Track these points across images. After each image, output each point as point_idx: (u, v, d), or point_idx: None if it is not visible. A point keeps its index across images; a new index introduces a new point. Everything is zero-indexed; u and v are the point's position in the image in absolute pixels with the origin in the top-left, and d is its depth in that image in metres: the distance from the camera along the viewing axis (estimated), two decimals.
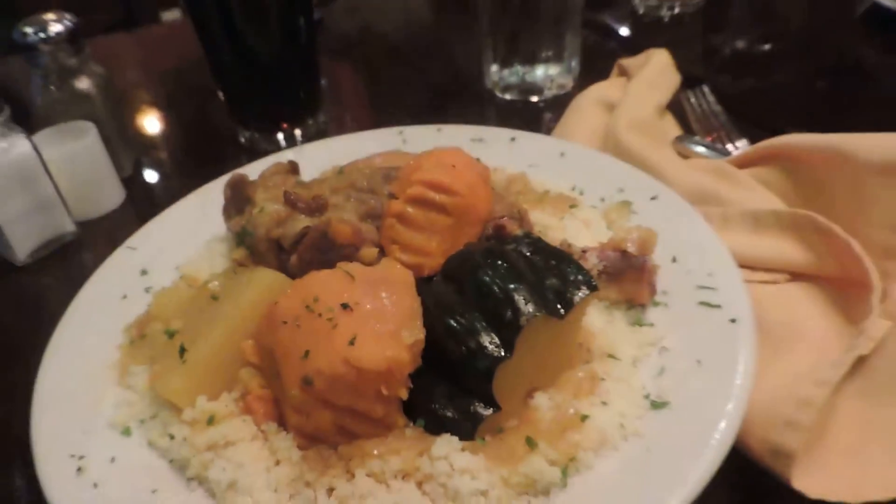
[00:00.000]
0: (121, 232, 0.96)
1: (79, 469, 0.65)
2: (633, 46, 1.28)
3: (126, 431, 0.69)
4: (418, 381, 0.62)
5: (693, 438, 0.59)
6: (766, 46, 1.39)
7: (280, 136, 1.25)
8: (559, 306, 0.63)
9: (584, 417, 0.63)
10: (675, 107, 1.17)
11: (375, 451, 0.61)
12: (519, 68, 1.28)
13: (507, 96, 1.31)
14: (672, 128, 1.14)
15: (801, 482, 0.60)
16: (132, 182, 1.21)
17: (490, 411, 0.62)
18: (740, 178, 0.92)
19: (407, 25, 1.80)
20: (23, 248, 1.03)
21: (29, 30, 1.08)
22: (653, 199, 0.87)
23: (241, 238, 0.80)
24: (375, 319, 0.61)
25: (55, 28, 1.09)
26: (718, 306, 0.70)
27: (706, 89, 1.18)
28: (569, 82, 1.30)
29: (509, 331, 0.61)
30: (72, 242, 1.08)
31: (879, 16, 1.35)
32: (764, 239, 0.82)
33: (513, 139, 1.04)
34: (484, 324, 0.62)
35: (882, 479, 0.61)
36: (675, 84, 1.19)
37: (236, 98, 1.25)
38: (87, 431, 0.69)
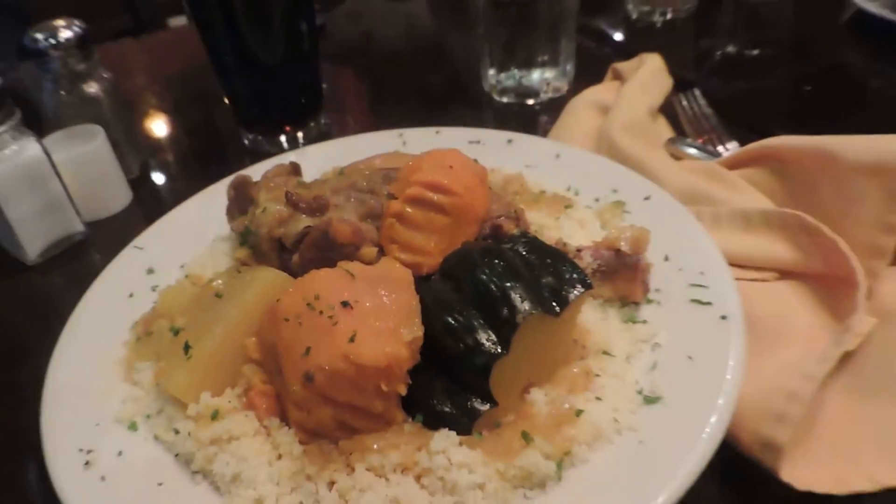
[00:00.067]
0: (128, 232, 0.95)
1: (87, 463, 0.65)
2: (627, 51, 1.28)
3: (133, 426, 0.69)
4: (417, 377, 0.62)
5: (685, 432, 0.59)
6: (755, 51, 1.39)
7: (283, 138, 1.25)
8: (555, 304, 0.63)
9: (578, 412, 0.62)
10: (668, 110, 1.17)
11: (375, 446, 0.61)
12: (516, 72, 1.28)
13: (505, 99, 1.31)
14: (664, 130, 1.13)
15: (790, 474, 0.60)
16: (139, 183, 1.20)
17: (487, 407, 0.62)
18: (730, 179, 0.92)
19: (408, 31, 1.80)
20: (33, 247, 1.03)
21: (39, 36, 1.08)
22: (646, 199, 0.87)
23: (245, 237, 0.79)
24: (375, 317, 0.61)
25: (65, 34, 1.08)
26: (709, 304, 0.70)
27: (697, 93, 1.17)
28: (564, 86, 1.30)
29: (506, 328, 0.61)
30: (81, 242, 1.08)
31: (864, 22, 1.35)
32: (753, 238, 0.82)
33: (510, 141, 1.04)
34: (481, 321, 0.62)
35: (867, 472, 0.61)
36: (668, 87, 1.18)
37: (240, 102, 1.25)
38: (95, 426, 0.69)
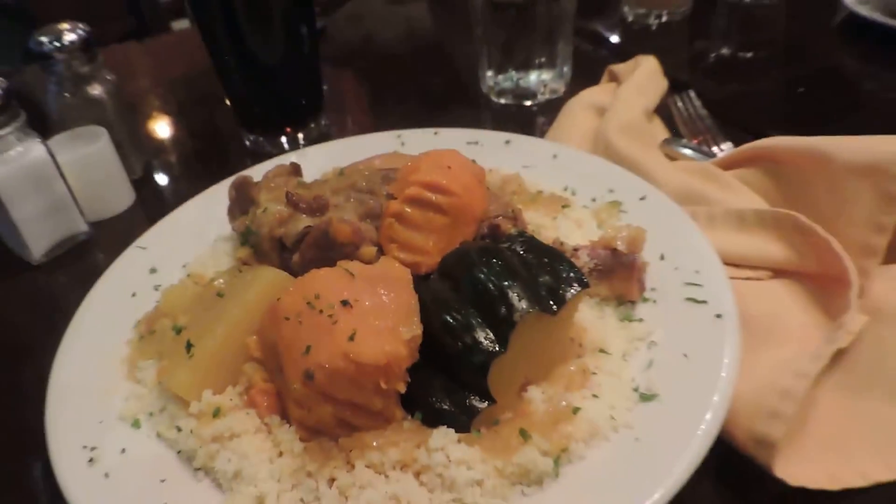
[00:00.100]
0: (131, 232, 0.95)
1: (91, 460, 0.65)
2: (623, 53, 1.27)
3: (136, 424, 0.69)
4: (416, 375, 0.62)
5: (680, 429, 0.59)
6: (749, 53, 1.39)
7: (283, 139, 1.24)
8: (552, 303, 0.63)
9: (575, 410, 0.62)
10: (663, 111, 1.16)
11: (375, 443, 0.60)
12: (513, 74, 1.28)
13: (502, 101, 1.31)
14: (660, 131, 1.13)
15: (783, 470, 0.60)
16: (142, 184, 1.20)
17: (485, 404, 0.61)
18: (725, 179, 0.92)
19: (407, 34, 1.79)
20: (38, 247, 1.03)
21: (44, 39, 1.08)
22: (642, 199, 0.87)
23: (246, 237, 0.79)
24: (374, 316, 0.60)
25: (69, 37, 1.08)
26: (704, 302, 0.70)
27: (692, 94, 1.17)
28: (561, 87, 1.30)
29: (504, 327, 0.60)
30: (85, 242, 1.08)
31: (855, 24, 1.35)
32: (748, 237, 0.82)
33: (507, 142, 1.04)
34: (479, 320, 0.62)
35: (859, 468, 0.61)
36: (663, 89, 1.18)
37: (242, 103, 1.24)
38: (98, 423, 0.69)
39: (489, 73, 1.30)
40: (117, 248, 0.91)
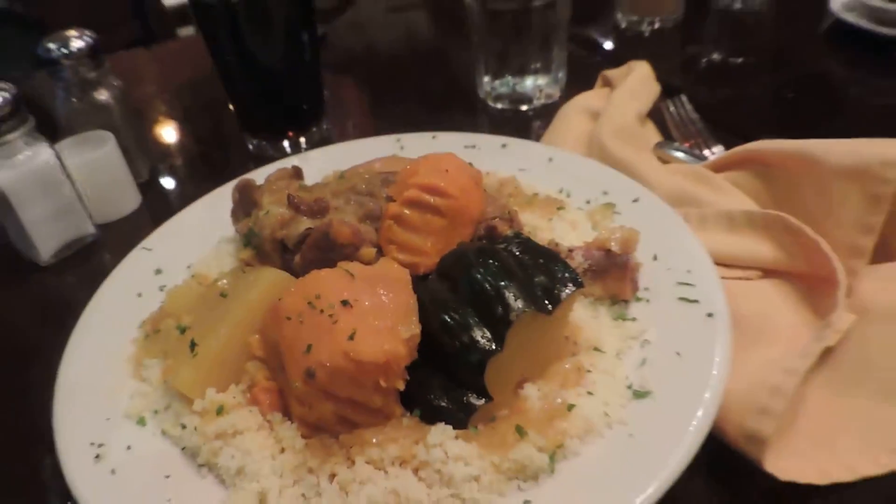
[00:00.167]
0: (137, 234, 0.94)
1: (97, 456, 0.64)
2: (616, 59, 1.27)
3: (141, 421, 0.69)
4: (414, 373, 0.61)
5: (673, 425, 0.58)
6: (739, 59, 1.39)
7: (286, 143, 1.24)
8: (547, 302, 0.62)
9: (570, 407, 0.62)
10: (656, 115, 1.16)
11: (374, 440, 0.60)
12: (510, 79, 1.28)
13: (499, 105, 1.31)
14: (653, 134, 1.13)
15: (773, 465, 0.60)
16: (148, 187, 1.20)
17: (482, 402, 0.61)
18: (716, 182, 0.91)
19: (406, 41, 1.79)
20: (46, 248, 1.02)
21: (52, 46, 1.07)
22: (635, 201, 0.87)
23: (248, 239, 0.79)
24: (374, 315, 0.60)
25: (76, 44, 1.08)
26: (696, 301, 0.70)
27: (684, 98, 1.17)
28: (556, 92, 1.29)
29: (500, 326, 0.60)
30: (92, 243, 1.07)
31: (842, 31, 1.35)
32: (738, 238, 0.82)
33: (504, 145, 1.04)
34: (476, 319, 0.62)
35: (846, 463, 0.61)
36: (655, 94, 1.18)
37: (245, 108, 1.24)
38: (105, 421, 0.69)
39: (486, 79, 1.30)
40: (124, 250, 0.91)
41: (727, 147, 1.01)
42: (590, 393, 0.64)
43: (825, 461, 0.61)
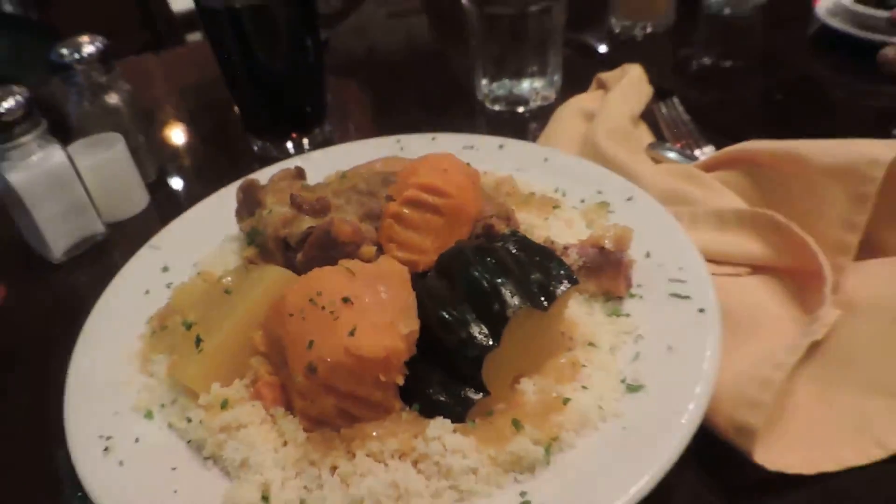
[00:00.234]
0: (145, 232, 0.94)
1: (106, 449, 0.64)
2: (610, 62, 1.26)
3: (148, 415, 0.68)
4: (414, 368, 0.61)
5: (665, 418, 0.58)
6: (729, 63, 1.38)
7: (289, 144, 1.23)
8: (543, 299, 0.61)
9: (566, 400, 0.61)
10: (648, 116, 1.15)
11: (374, 433, 0.59)
12: (507, 82, 1.27)
13: (496, 107, 1.30)
14: (645, 135, 1.12)
15: (762, 456, 0.59)
16: (156, 187, 1.19)
17: (480, 396, 0.61)
18: (707, 181, 0.91)
19: (407, 45, 1.78)
20: (58, 247, 1.02)
21: (65, 51, 1.07)
22: (628, 200, 0.86)
23: (252, 237, 0.78)
24: (374, 312, 0.59)
25: (88, 49, 1.07)
26: (688, 297, 0.69)
27: (676, 100, 1.16)
28: (552, 94, 1.29)
29: (497, 322, 0.60)
30: (102, 242, 1.06)
31: (828, 36, 1.34)
32: (728, 236, 0.81)
33: (501, 146, 1.03)
34: (474, 315, 0.61)
35: (832, 453, 0.61)
36: (648, 96, 1.17)
37: (250, 111, 1.23)
38: (113, 414, 0.68)
39: (484, 82, 1.29)
40: (132, 248, 0.90)
41: (717, 147, 1.00)
42: (584, 387, 0.63)
43: (812, 452, 0.61)
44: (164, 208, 1.14)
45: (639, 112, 1.13)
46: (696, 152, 1.04)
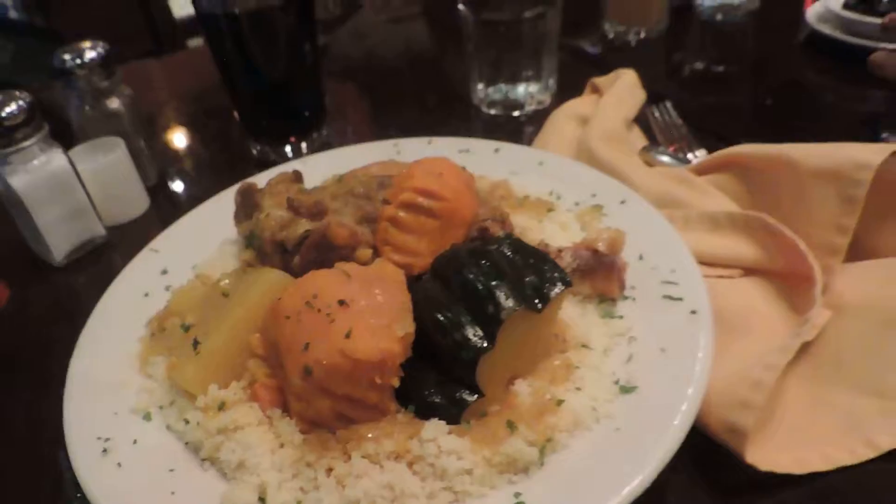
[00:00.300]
0: (146, 235, 0.93)
1: (104, 450, 0.63)
2: (604, 67, 1.26)
3: (147, 416, 0.67)
4: (409, 370, 0.60)
5: (658, 419, 0.57)
6: (721, 67, 1.38)
7: (288, 148, 1.23)
8: (537, 301, 0.61)
9: (559, 402, 0.61)
10: (642, 120, 1.15)
11: (370, 435, 0.59)
12: (502, 86, 1.27)
13: (492, 111, 1.29)
14: (639, 139, 1.12)
15: (754, 456, 0.59)
16: (156, 191, 1.19)
17: (474, 397, 0.60)
18: (699, 184, 0.90)
19: (405, 50, 1.78)
20: (59, 250, 1.01)
21: (67, 56, 1.07)
22: (622, 203, 0.85)
23: (250, 240, 0.78)
24: (370, 314, 0.59)
25: (89, 55, 1.07)
26: (680, 299, 0.69)
27: (669, 105, 1.16)
28: (547, 99, 1.28)
29: (491, 324, 0.59)
30: (102, 245, 1.06)
31: (818, 42, 1.35)
32: (720, 238, 0.81)
33: (496, 150, 1.02)
34: (468, 318, 0.60)
35: (822, 452, 0.60)
36: (641, 100, 1.17)
37: (249, 115, 1.23)
38: (112, 416, 0.67)
39: (480, 86, 1.29)
40: (133, 251, 0.90)
41: (710, 151, 1.00)
42: (578, 388, 0.62)
43: (803, 451, 0.61)
44: (165, 212, 1.13)
45: (632, 116, 1.13)
46: (689, 156, 1.04)
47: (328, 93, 1.29)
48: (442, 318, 0.61)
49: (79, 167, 1.00)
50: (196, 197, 1.04)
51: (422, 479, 0.57)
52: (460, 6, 1.21)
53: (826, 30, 1.32)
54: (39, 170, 0.96)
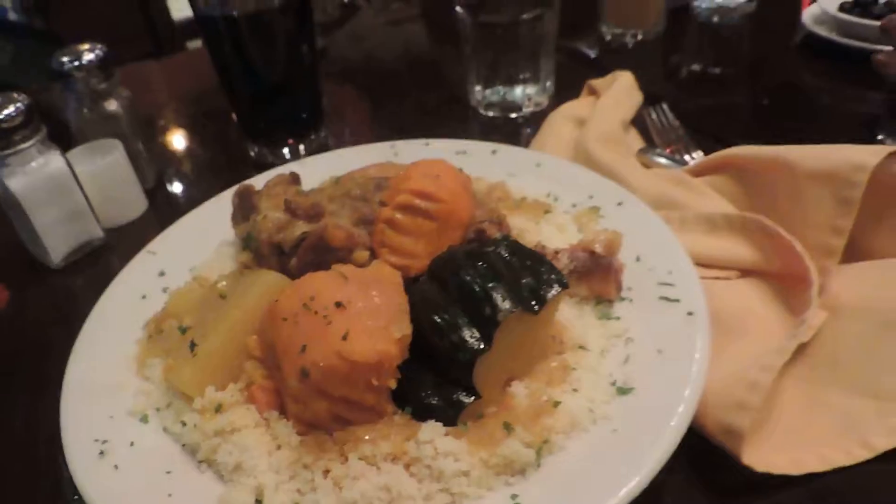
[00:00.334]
0: (144, 237, 0.93)
1: (101, 452, 0.63)
2: (601, 69, 1.26)
3: (144, 418, 0.67)
4: (406, 372, 0.60)
5: (655, 421, 0.57)
6: (718, 69, 1.38)
7: (286, 150, 1.22)
8: (534, 303, 0.61)
9: (556, 403, 0.60)
10: (639, 122, 1.15)
11: (367, 437, 0.59)
12: (500, 88, 1.26)
13: (490, 113, 1.29)
14: (636, 141, 1.12)
15: (750, 458, 0.59)
16: (154, 193, 1.18)
17: (471, 399, 0.60)
18: (696, 186, 0.90)
19: (403, 52, 1.78)
20: (57, 252, 1.01)
21: (65, 59, 1.07)
22: (619, 204, 0.85)
23: (247, 242, 0.77)
24: (367, 316, 0.59)
25: (88, 57, 1.07)
26: (677, 301, 0.69)
27: (665, 106, 1.16)
28: (544, 100, 1.28)
29: (488, 325, 0.59)
30: (100, 247, 1.06)
31: (814, 43, 1.35)
32: (717, 240, 0.81)
33: (494, 151, 1.02)
34: (465, 319, 0.60)
35: (819, 453, 0.60)
36: (638, 102, 1.17)
37: (247, 117, 1.22)
38: (109, 418, 0.67)
39: (477, 88, 1.29)
40: (130, 253, 0.89)
41: (706, 152, 1.00)
42: (575, 390, 0.62)
43: (799, 452, 0.60)
44: (163, 213, 1.13)
45: (629, 118, 1.13)
46: (686, 157, 1.04)
47: (326, 95, 1.29)
48: (439, 320, 0.60)
49: (77, 169, 1.00)
50: (194, 199, 1.04)
51: (419, 481, 0.57)
52: (458, 8, 1.21)
53: (822, 32, 1.32)
54: (37, 172, 0.95)
